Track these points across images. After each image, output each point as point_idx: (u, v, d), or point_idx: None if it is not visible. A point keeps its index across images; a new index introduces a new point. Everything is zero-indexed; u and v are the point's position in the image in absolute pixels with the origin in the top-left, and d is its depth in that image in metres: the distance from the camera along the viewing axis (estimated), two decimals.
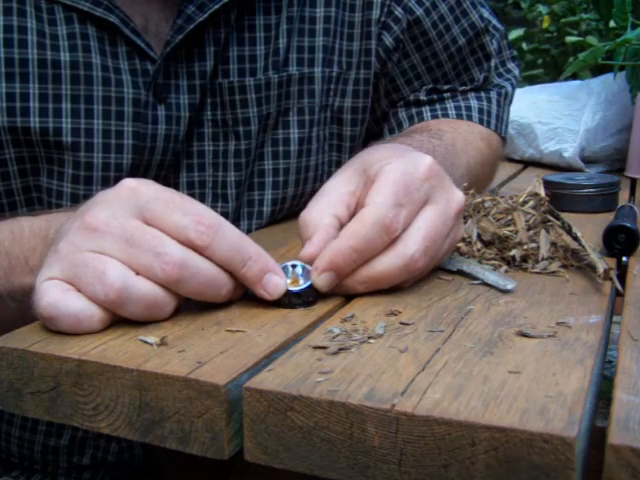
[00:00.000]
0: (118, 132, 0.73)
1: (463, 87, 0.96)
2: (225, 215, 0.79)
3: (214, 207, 0.79)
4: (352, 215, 0.56)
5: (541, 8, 2.17)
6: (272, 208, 0.83)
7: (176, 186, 0.78)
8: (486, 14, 0.96)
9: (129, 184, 0.52)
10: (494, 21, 0.98)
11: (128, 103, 0.73)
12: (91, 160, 0.72)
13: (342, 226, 0.56)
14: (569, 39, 1.87)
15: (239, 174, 0.80)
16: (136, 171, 0.74)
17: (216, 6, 0.73)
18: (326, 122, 0.86)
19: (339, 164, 0.88)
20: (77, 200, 0.73)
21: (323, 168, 0.87)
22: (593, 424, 0.42)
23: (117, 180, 0.72)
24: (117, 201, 0.51)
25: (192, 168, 0.78)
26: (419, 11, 0.88)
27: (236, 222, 0.82)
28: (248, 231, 0.83)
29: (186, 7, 0.73)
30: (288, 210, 0.86)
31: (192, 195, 0.78)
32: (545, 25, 2.13)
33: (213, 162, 0.79)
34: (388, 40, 0.87)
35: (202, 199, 0.79)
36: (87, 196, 0.72)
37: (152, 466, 0.86)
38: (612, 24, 1.16)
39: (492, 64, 0.97)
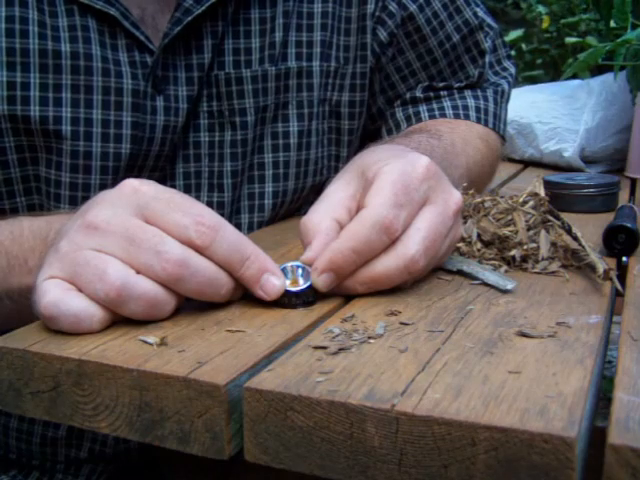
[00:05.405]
0: (117, 122, 0.73)
1: (459, 84, 0.96)
2: (222, 205, 0.80)
3: (210, 197, 0.80)
4: (353, 218, 0.56)
5: (541, 8, 2.18)
6: (273, 201, 0.84)
7: (172, 176, 0.79)
8: (480, 12, 0.96)
9: (130, 184, 0.52)
10: (488, 19, 0.98)
11: (127, 94, 0.73)
12: (90, 149, 0.73)
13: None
14: (568, 40, 1.87)
15: (235, 164, 0.80)
16: (134, 161, 0.75)
17: None
18: (325, 116, 0.86)
19: (338, 158, 0.89)
20: (75, 189, 0.73)
21: (323, 162, 0.87)
22: (593, 424, 0.42)
23: (115, 169, 0.74)
24: (119, 200, 0.51)
25: (188, 159, 0.79)
26: (413, 7, 0.89)
27: (237, 216, 0.83)
28: (250, 225, 0.83)
29: (184, 0, 0.74)
30: (289, 205, 0.86)
31: (188, 185, 0.79)
32: (545, 25, 2.14)
33: (209, 152, 0.80)
34: (382, 35, 0.88)
35: (198, 189, 0.80)
36: (85, 185, 0.73)
37: (149, 459, 0.86)
38: (612, 24, 1.16)
39: (487, 60, 0.97)
